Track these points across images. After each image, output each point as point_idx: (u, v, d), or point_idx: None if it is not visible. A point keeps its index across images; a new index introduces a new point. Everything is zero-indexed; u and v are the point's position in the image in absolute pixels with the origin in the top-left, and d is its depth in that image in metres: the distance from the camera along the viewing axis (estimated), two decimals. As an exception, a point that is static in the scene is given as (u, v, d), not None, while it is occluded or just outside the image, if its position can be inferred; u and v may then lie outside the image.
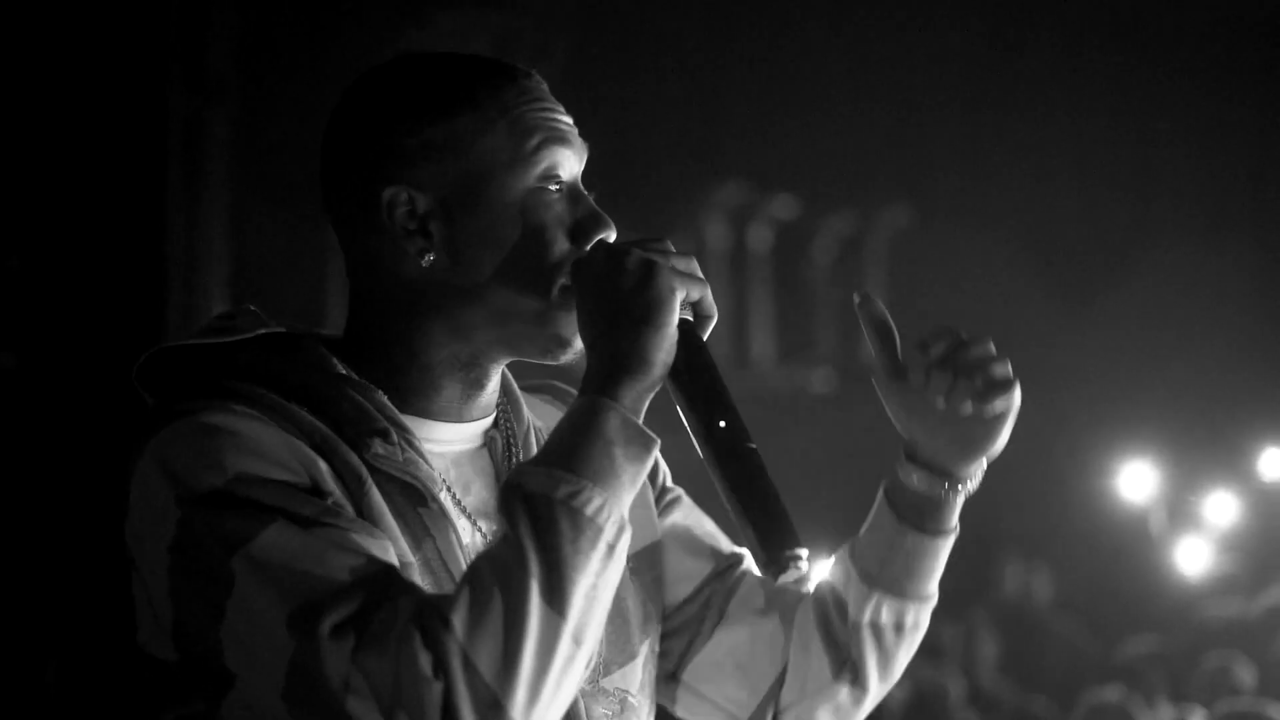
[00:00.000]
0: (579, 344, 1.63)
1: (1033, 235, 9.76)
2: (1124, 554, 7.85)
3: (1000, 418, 1.70)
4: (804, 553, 1.54)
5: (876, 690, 1.81)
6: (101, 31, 4.60)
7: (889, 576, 1.77)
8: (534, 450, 1.71)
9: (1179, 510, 7.84)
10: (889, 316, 1.73)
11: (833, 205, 9.84)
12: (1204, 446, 8.44)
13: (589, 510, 1.49)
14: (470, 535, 1.65)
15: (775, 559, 1.54)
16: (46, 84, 4.57)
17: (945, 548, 1.79)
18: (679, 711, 1.87)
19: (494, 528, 1.63)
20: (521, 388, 1.77)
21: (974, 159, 9.64)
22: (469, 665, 1.43)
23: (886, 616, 1.78)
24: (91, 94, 4.59)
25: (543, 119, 1.65)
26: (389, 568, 1.50)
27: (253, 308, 1.69)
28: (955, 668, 6.42)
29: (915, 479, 1.75)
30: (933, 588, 1.79)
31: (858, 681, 1.80)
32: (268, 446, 1.54)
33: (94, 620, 4.29)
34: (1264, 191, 9.80)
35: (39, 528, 4.49)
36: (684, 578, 1.82)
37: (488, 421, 1.70)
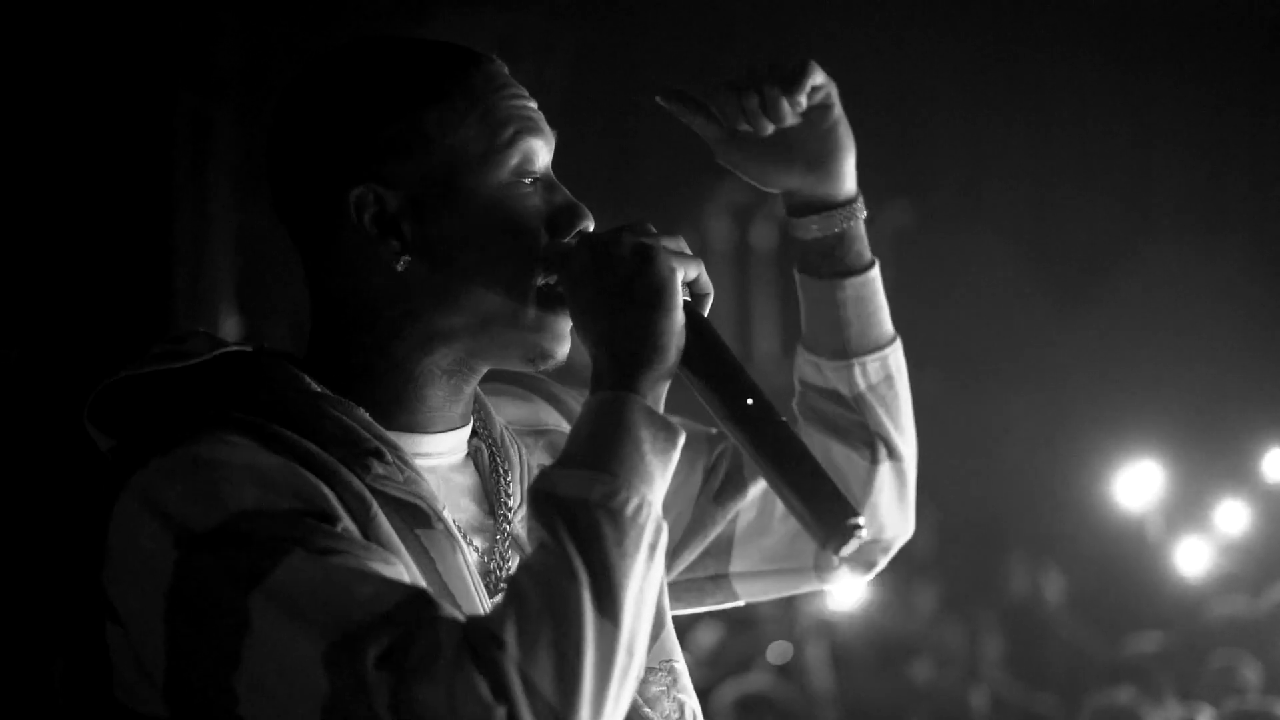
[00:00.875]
0: (562, 353, 1.57)
1: (1033, 234, 9.76)
2: (1130, 554, 7.85)
3: (826, 110, 1.71)
4: (862, 520, 1.48)
5: (908, 452, 1.81)
6: (109, 30, 4.60)
7: (854, 338, 1.77)
8: (513, 454, 1.64)
9: (1186, 512, 7.84)
10: (693, 94, 1.71)
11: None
12: (1209, 446, 8.44)
13: (629, 511, 1.40)
14: (469, 554, 1.55)
15: (836, 532, 1.47)
16: (54, 82, 4.58)
17: (878, 280, 1.78)
18: (745, 599, 1.84)
19: (486, 545, 1.58)
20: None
21: (974, 158, 9.64)
22: (529, 686, 1.34)
23: (875, 373, 1.78)
24: (99, 92, 4.59)
25: (515, 109, 1.56)
26: (420, 591, 1.40)
27: (202, 329, 1.58)
28: (980, 681, 6.41)
29: (813, 226, 1.75)
30: (891, 326, 1.80)
31: (891, 452, 1.79)
32: (268, 475, 1.43)
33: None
34: (1264, 190, 9.79)
35: (42, 522, 4.49)
36: (680, 488, 1.76)
37: (468, 430, 1.62)
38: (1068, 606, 7.71)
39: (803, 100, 1.68)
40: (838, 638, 6.59)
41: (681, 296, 1.51)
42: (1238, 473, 8.18)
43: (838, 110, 1.72)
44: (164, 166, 4.73)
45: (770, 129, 1.68)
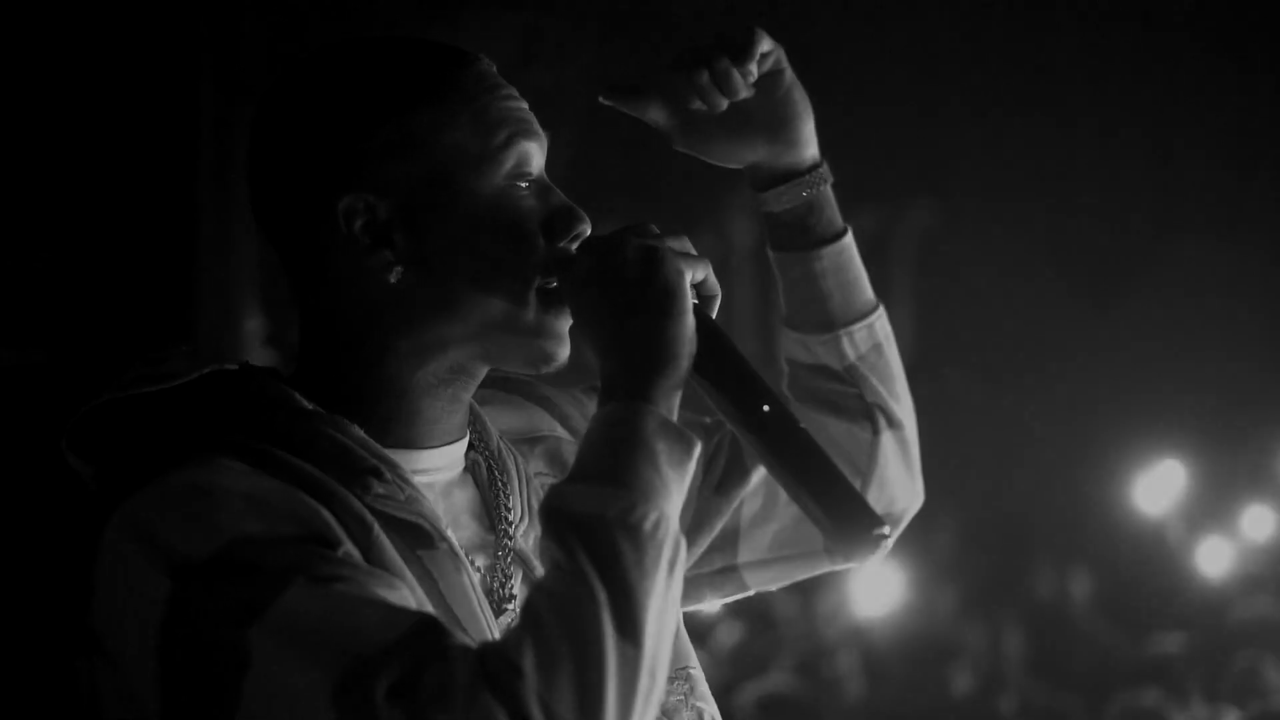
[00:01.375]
0: (564, 355, 1.52)
1: (1057, 234, 9.73)
2: (1153, 554, 7.83)
3: (778, 76, 1.66)
4: (888, 529, 1.43)
5: (907, 419, 1.77)
6: (132, 30, 4.62)
7: (837, 308, 1.73)
8: (510, 465, 1.59)
9: (1209, 513, 7.83)
10: (634, 84, 1.66)
11: (857, 202, 9.82)
12: (1231, 446, 8.42)
13: (647, 527, 1.33)
14: (473, 575, 1.50)
15: (862, 543, 1.42)
16: (77, 82, 4.59)
17: (854, 248, 1.74)
18: (756, 588, 1.78)
19: (488, 563, 1.53)
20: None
21: (998, 159, 9.61)
22: (551, 715, 1.27)
23: (863, 342, 1.74)
24: (123, 93, 4.60)
25: (508, 110, 1.51)
26: (430, 618, 1.34)
27: (184, 347, 1.53)
28: (1006, 682, 6.40)
29: (782, 197, 1.72)
30: (872, 293, 1.75)
31: (891, 422, 1.75)
32: (264, 500, 1.37)
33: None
34: (1290, 189, 9.76)
35: (68, 523, 4.50)
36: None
37: (465, 443, 1.56)
38: (1094, 607, 7.70)
39: (754, 69, 1.63)
40: (864, 642, 6.58)
41: (690, 300, 1.46)
42: (1261, 472, 8.16)
43: (789, 74, 1.68)
44: (188, 169, 4.74)
45: (724, 103, 1.63)
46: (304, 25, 5.54)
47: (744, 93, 1.63)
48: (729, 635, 6.57)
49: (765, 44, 1.64)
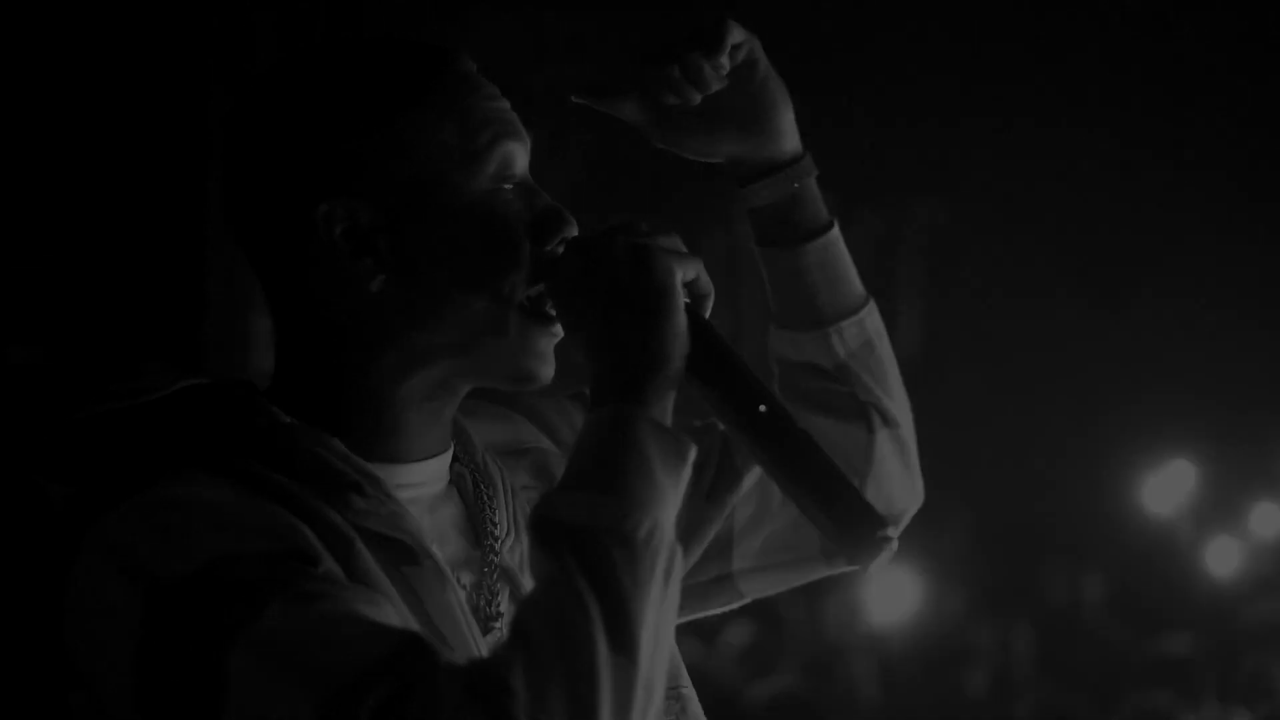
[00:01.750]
0: (546, 375, 1.46)
1: (1068, 235, 9.73)
2: (1165, 554, 7.83)
3: (752, 67, 1.61)
4: (894, 531, 1.37)
5: (903, 417, 1.71)
6: (142, 30, 4.62)
7: (825, 305, 1.67)
8: (497, 478, 1.54)
9: (1220, 513, 7.82)
10: (606, 81, 1.60)
11: (865, 202, 9.85)
12: (1240, 445, 8.41)
13: (640, 535, 1.28)
14: (459, 592, 1.44)
15: (866, 546, 1.38)
16: (87, 83, 4.60)
17: (840, 242, 1.67)
18: (751, 596, 1.73)
19: (474, 579, 1.49)
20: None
21: (1007, 157, 9.61)
22: None
23: (853, 338, 1.68)
24: (132, 94, 4.61)
25: (491, 111, 1.46)
26: (415, 636, 1.28)
27: (157, 360, 1.47)
28: (1017, 683, 6.40)
29: (763, 192, 1.65)
30: (861, 287, 1.69)
31: (886, 419, 1.69)
32: (242, 516, 1.32)
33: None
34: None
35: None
36: None
37: (449, 455, 1.50)
38: (1104, 607, 7.70)
39: (725, 61, 1.57)
40: (874, 645, 6.58)
41: (682, 299, 1.41)
42: (1270, 472, 8.15)
43: (764, 66, 1.62)
44: (196, 168, 4.74)
45: (698, 97, 1.57)
46: (313, 26, 5.54)
47: (715, 85, 1.58)
48: (737, 636, 6.58)
49: (737, 35, 1.59)
